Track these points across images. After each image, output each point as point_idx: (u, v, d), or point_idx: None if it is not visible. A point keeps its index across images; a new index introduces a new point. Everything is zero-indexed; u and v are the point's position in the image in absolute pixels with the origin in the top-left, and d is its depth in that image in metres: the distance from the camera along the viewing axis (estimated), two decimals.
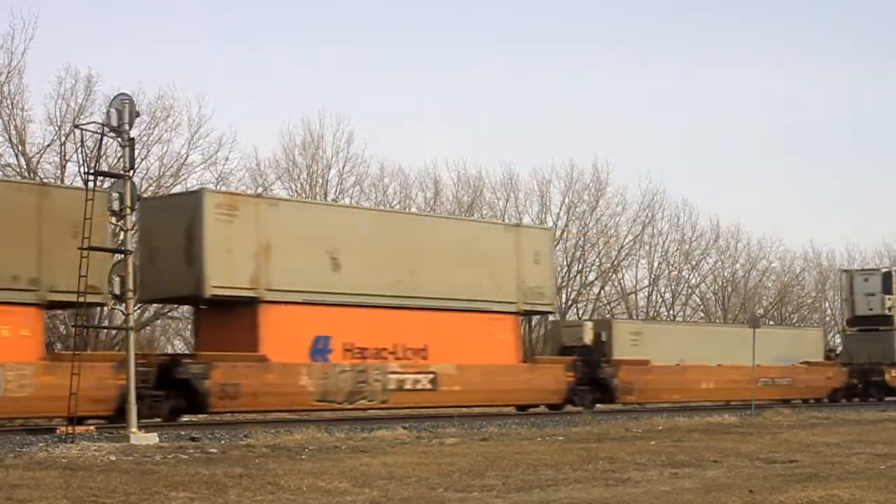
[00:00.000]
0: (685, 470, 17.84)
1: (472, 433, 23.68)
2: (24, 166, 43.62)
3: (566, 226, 63.32)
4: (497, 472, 16.91)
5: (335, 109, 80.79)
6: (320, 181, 55.94)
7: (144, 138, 44.79)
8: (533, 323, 56.80)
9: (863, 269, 56.77)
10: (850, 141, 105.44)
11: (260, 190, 52.07)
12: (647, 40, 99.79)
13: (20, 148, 43.75)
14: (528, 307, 33.76)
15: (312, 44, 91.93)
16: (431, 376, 29.97)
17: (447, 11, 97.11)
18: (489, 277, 32.17)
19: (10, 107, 43.52)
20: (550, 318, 49.63)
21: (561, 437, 23.10)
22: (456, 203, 60.90)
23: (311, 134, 55.92)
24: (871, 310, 47.42)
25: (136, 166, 29.07)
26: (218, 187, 48.69)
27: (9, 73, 43.32)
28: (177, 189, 46.56)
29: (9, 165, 43.49)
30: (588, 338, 37.42)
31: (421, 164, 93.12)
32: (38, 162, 43.93)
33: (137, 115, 21.70)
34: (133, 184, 21.16)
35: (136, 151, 27.48)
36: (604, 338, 37.58)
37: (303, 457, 18.31)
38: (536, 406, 34.70)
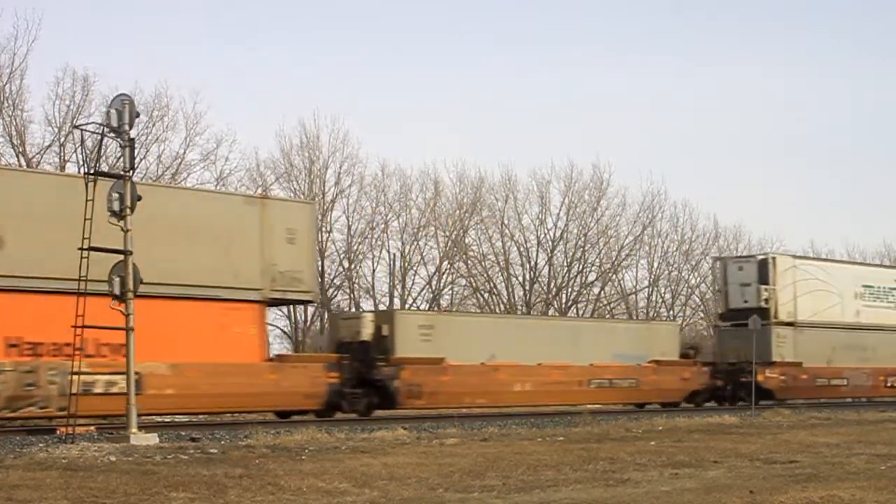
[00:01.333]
0: (685, 470, 17.84)
1: (473, 433, 23.67)
2: (24, 167, 43.63)
3: (566, 226, 63.34)
4: (497, 472, 16.91)
5: (331, 109, 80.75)
6: (318, 181, 55.97)
7: (143, 138, 44.89)
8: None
9: (737, 257, 51.72)
10: (850, 141, 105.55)
11: (259, 191, 52.17)
12: (647, 40, 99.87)
13: (21, 148, 43.81)
14: (277, 295, 28.83)
15: (312, 44, 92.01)
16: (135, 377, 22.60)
17: (447, 11, 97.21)
18: (223, 258, 27.35)
19: (10, 107, 43.60)
20: (356, 310, 45.29)
21: (561, 438, 23.10)
22: (456, 203, 60.92)
23: (307, 134, 55.96)
24: (745, 302, 41.53)
25: (135, 166, 29.01)
26: (217, 187, 48.90)
27: (11, 73, 43.43)
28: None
29: (9, 165, 43.50)
30: (367, 332, 31.94)
31: (421, 165, 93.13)
32: (38, 162, 43.99)
33: (137, 115, 21.68)
34: (133, 184, 21.13)
35: (136, 151, 27.39)
36: (385, 332, 31.78)
37: (303, 457, 18.30)
38: (302, 412, 29.36)
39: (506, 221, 62.37)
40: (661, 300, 69.34)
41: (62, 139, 44.15)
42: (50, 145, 44.21)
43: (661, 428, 26.63)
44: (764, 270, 41.68)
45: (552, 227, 63.36)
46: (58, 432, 21.65)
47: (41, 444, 19.50)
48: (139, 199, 21.04)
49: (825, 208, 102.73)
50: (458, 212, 60.51)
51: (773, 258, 42.63)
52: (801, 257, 47.47)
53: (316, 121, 56.65)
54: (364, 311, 41.28)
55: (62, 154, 44.26)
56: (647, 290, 68.69)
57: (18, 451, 18.48)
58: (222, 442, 20.93)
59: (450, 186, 61.39)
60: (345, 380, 29.66)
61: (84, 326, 20.41)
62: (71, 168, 43.93)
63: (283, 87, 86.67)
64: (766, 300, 41.20)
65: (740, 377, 40.10)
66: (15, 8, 65.56)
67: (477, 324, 37.87)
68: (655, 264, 68.28)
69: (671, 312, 68.77)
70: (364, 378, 30.53)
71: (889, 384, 44.84)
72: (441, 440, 21.94)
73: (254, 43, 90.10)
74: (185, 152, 47.24)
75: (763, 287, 41.34)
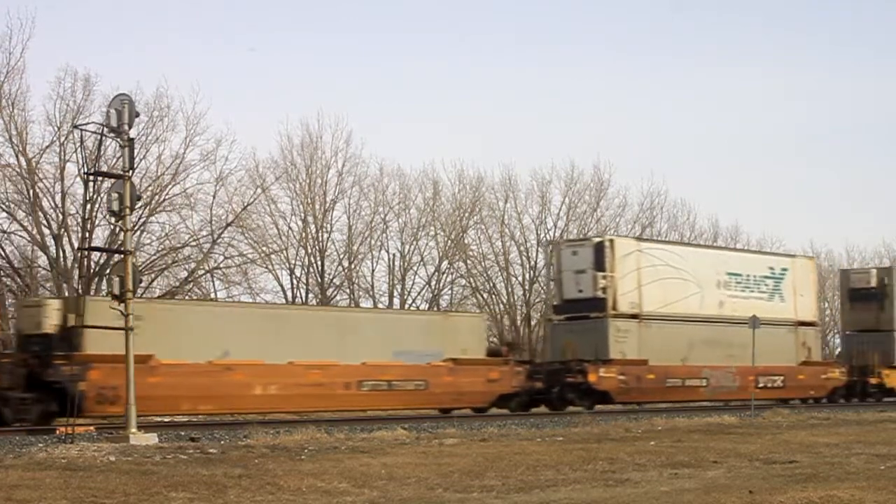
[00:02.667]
0: (685, 470, 17.85)
1: (472, 433, 23.67)
2: (25, 167, 43.67)
3: (566, 226, 63.30)
4: (497, 472, 16.91)
5: (334, 110, 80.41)
6: (319, 181, 55.95)
7: (143, 138, 44.82)
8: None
9: (571, 240, 45.10)
10: (850, 141, 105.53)
11: (259, 191, 52.18)
12: (647, 40, 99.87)
13: (20, 148, 43.80)
14: None
15: (312, 44, 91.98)
16: None
17: (447, 11, 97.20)
18: None
19: (10, 107, 43.56)
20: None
21: (560, 438, 23.10)
22: (455, 203, 60.90)
23: (310, 134, 55.93)
24: (580, 292, 36.38)
25: (135, 166, 29.07)
26: (217, 187, 48.92)
27: (8, 72, 43.38)
28: (176, 189, 46.62)
29: (9, 165, 43.56)
30: (51, 322, 26.21)
31: (420, 165, 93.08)
32: (38, 162, 44.00)
33: (137, 115, 21.69)
34: (133, 184, 21.14)
35: (135, 151, 27.39)
36: (73, 322, 26.04)
37: (302, 457, 18.30)
38: None
39: (506, 221, 62.38)
40: None
41: (62, 139, 44.13)
42: (50, 145, 44.18)
43: (660, 428, 26.62)
44: (600, 255, 36.43)
45: (552, 227, 63.33)
46: (57, 432, 21.66)
47: (41, 444, 19.51)
48: (139, 199, 21.04)
49: (825, 208, 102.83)
50: (457, 212, 60.49)
51: (611, 241, 37.41)
52: (647, 240, 43.70)
53: (319, 121, 56.62)
54: (48, 297, 33.09)
55: (62, 154, 44.25)
56: None
57: (18, 450, 18.49)
58: (222, 442, 20.94)
59: (449, 186, 61.40)
60: (8, 382, 25.03)
61: (84, 326, 20.40)
62: (70, 168, 44.04)
63: (283, 87, 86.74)
64: (604, 289, 36.01)
65: (566, 377, 35.43)
66: (8, 7, 65.41)
67: (205, 314, 30.74)
68: None
69: None
70: (39, 380, 25.43)
71: (762, 385, 39.47)
72: (440, 440, 21.94)
73: (253, 43, 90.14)
74: (184, 153, 47.19)
75: (600, 274, 36.10)
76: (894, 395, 44.81)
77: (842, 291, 49.69)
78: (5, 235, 44.27)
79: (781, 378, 40.73)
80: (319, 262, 55.53)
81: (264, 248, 53.15)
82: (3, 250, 44.38)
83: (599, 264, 36.21)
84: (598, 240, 37.86)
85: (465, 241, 60.99)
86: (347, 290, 57.51)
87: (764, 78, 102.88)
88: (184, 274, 48.39)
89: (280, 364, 28.80)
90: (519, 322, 61.00)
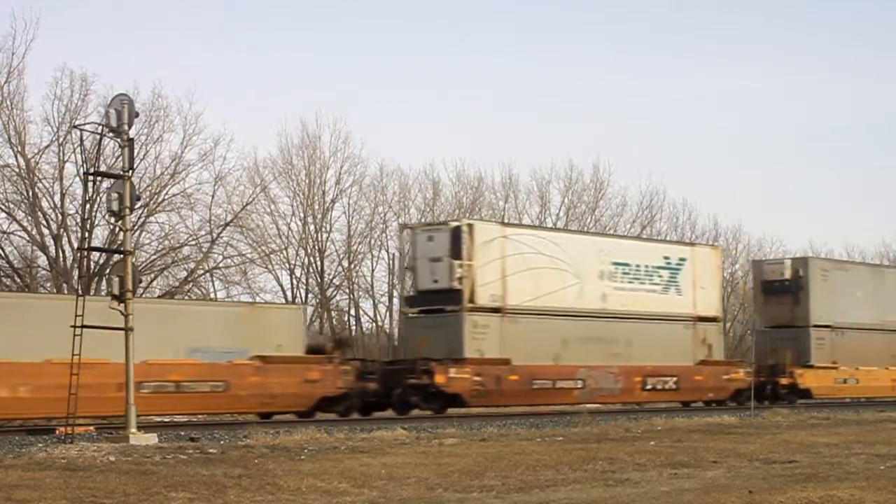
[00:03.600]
0: (684, 470, 17.85)
1: (472, 433, 23.67)
2: (24, 167, 43.67)
3: (566, 226, 63.30)
4: (496, 472, 16.91)
5: (333, 109, 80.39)
6: (318, 181, 55.97)
7: (142, 138, 44.85)
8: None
9: (428, 224, 40.93)
10: (850, 141, 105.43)
11: (259, 191, 52.20)
12: (647, 40, 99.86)
13: (19, 148, 43.81)
14: None
15: (311, 44, 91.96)
16: None
17: (447, 11, 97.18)
18: None
19: (9, 107, 43.58)
20: None
21: (560, 438, 23.10)
22: (455, 203, 60.92)
23: (309, 134, 55.95)
24: (435, 282, 32.54)
25: (134, 166, 29.07)
26: (216, 187, 48.92)
27: (9, 73, 43.41)
28: (175, 189, 46.62)
29: (7, 166, 43.58)
30: None
31: (420, 165, 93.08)
32: (37, 163, 44.01)
33: (136, 115, 21.70)
34: (132, 184, 21.14)
35: (134, 151, 27.40)
36: None
37: (302, 457, 18.31)
38: None
39: (506, 221, 62.38)
40: None
41: (61, 139, 44.15)
42: (49, 145, 44.22)
43: (660, 428, 26.62)
44: (457, 242, 32.41)
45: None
46: (57, 432, 21.65)
47: (40, 444, 19.52)
48: (138, 199, 21.05)
49: (825, 208, 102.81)
50: (457, 212, 60.49)
51: (470, 225, 33.22)
52: (515, 225, 40.49)
53: (318, 121, 56.61)
54: None
55: (61, 154, 44.27)
56: None
57: (18, 450, 18.49)
58: (221, 442, 20.94)
59: (449, 186, 61.42)
60: None
61: (84, 326, 20.40)
62: (70, 168, 44.05)
63: (282, 87, 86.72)
64: (460, 279, 32.09)
65: (408, 378, 31.53)
66: (13, 8, 65.37)
67: None
68: None
69: None
70: None
71: (650, 386, 36.22)
72: (440, 440, 21.94)
73: (252, 43, 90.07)
74: (183, 153, 47.23)
75: (456, 263, 32.13)
76: (810, 396, 41.06)
77: (755, 284, 44.68)
78: (5, 236, 44.34)
79: (675, 379, 36.83)
80: (319, 262, 55.58)
81: (263, 248, 53.21)
82: (3, 250, 44.42)
83: (456, 252, 32.23)
84: (455, 224, 33.64)
85: None
86: (347, 291, 57.57)
87: (764, 78, 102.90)
88: (183, 274, 48.48)
89: (28, 363, 24.96)
90: None
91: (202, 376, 27.72)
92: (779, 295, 42.34)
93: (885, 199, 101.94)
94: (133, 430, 20.45)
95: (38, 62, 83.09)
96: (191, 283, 48.48)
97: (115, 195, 20.97)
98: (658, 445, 21.76)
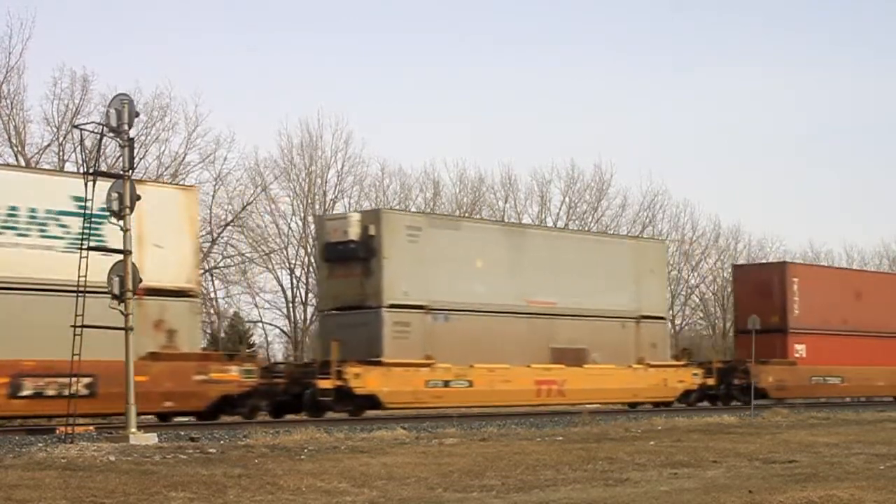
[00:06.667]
0: (684, 470, 17.85)
1: (472, 433, 23.68)
2: (24, 166, 43.65)
3: (566, 226, 63.30)
4: (496, 472, 16.92)
5: (334, 109, 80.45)
6: (319, 181, 55.96)
7: (143, 138, 44.91)
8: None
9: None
10: (850, 141, 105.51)
11: (259, 190, 52.18)
12: (648, 40, 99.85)
13: (19, 148, 43.82)
14: None
15: (312, 44, 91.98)
16: None
17: (447, 11, 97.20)
18: None
19: (9, 107, 43.61)
20: None
21: (560, 438, 23.11)
22: (456, 203, 60.93)
23: (310, 134, 55.96)
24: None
25: (134, 166, 29.05)
26: (216, 187, 48.93)
27: (7, 72, 43.42)
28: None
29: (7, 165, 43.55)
30: None
31: (421, 165, 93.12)
32: (37, 162, 43.99)
33: (137, 115, 21.68)
34: (132, 184, 21.12)
35: (135, 151, 27.40)
36: None
37: (302, 457, 18.31)
38: None
39: (506, 221, 62.38)
40: None
41: (61, 139, 44.18)
42: (49, 145, 44.28)
43: (660, 428, 26.63)
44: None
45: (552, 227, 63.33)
46: (57, 432, 21.65)
47: (40, 444, 19.51)
48: (139, 198, 21.04)
49: (825, 208, 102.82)
50: (458, 212, 60.50)
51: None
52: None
53: (319, 121, 56.64)
54: None
55: (61, 154, 44.29)
56: None
57: (17, 450, 18.49)
58: (221, 442, 20.95)
59: (450, 186, 61.43)
60: None
61: (84, 326, 20.39)
62: (70, 168, 44.04)
63: (283, 87, 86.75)
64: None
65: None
66: (8, 7, 65.50)
67: None
68: None
69: (670, 312, 68.67)
70: None
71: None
72: (440, 440, 21.95)
73: (253, 43, 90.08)
74: (184, 153, 47.27)
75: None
76: (379, 405, 30.33)
77: (318, 249, 34.06)
78: None
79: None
80: None
81: (264, 248, 53.21)
82: None
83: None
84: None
85: None
86: None
87: (764, 78, 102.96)
88: None
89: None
90: None
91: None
92: (345, 264, 31.18)
93: (884, 199, 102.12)
94: (133, 429, 20.44)
95: (37, 62, 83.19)
96: None
97: (115, 195, 20.96)
98: (658, 445, 21.76)
